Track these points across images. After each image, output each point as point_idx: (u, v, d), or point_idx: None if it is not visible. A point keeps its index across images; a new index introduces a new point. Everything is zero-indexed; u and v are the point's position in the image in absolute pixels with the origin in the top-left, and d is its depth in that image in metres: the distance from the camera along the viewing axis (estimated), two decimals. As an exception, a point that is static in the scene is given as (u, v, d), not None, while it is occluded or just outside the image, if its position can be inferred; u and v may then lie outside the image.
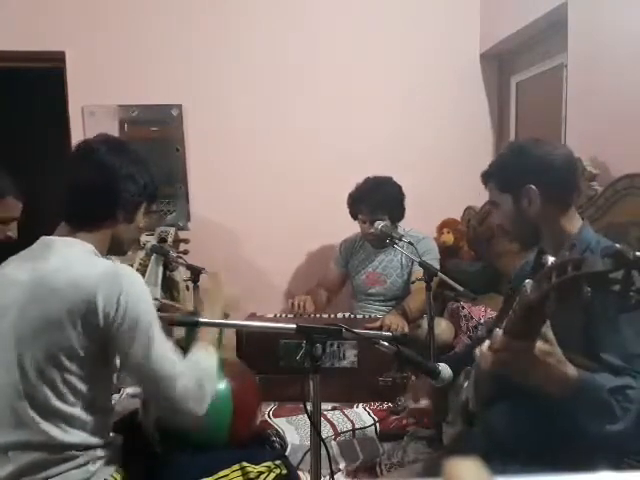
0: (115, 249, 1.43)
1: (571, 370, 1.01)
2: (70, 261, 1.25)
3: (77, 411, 1.23)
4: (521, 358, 0.97)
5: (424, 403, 1.46)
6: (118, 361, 1.30)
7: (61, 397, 1.21)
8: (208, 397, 1.27)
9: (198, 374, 1.26)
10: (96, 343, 1.22)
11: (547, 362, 0.98)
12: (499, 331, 0.99)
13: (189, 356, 1.29)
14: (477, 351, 1.04)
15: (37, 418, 1.20)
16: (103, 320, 1.20)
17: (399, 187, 2.76)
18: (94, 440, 1.26)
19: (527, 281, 0.92)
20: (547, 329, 0.98)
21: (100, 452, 1.28)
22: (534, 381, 1.01)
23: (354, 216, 2.79)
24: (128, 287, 1.22)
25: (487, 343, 1.02)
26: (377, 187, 2.71)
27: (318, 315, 2.64)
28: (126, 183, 1.33)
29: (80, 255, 1.28)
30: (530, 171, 1.33)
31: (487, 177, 1.44)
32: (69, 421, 1.22)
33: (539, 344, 0.97)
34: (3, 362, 1.22)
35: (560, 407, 1.03)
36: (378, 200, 2.66)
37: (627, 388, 1.04)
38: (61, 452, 1.22)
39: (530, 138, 1.40)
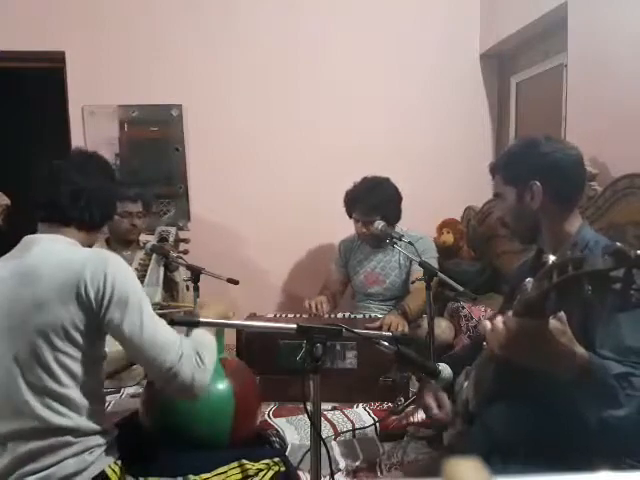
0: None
1: (582, 351, 1.00)
2: (54, 251, 1.31)
3: (71, 392, 1.26)
4: (532, 336, 0.96)
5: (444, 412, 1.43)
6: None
7: (55, 378, 1.24)
8: (209, 367, 1.29)
9: (196, 344, 1.29)
10: (89, 322, 1.25)
11: (560, 341, 0.97)
12: (509, 312, 0.98)
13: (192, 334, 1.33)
14: (485, 324, 1.02)
15: (32, 401, 1.22)
16: (94, 297, 1.24)
17: (395, 189, 2.74)
18: (89, 425, 1.28)
19: (528, 280, 0.92)
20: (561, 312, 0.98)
21: (96, 440, 1.29)
22: (546, 359, 0.99)
23: (349, 215, 2.80)
24: (113, 265, 1.28)
25: (499, 319, 1.01)
26: (373, 188, 2.70)
27: (326, 314, 2.64)
28: (102, 192, 1.43)
29: (63, 245, 1.34)
30: (537, 167, 1.32)
31: (495, 168, 1.43)
32: (63, 403, 1.25)
33: (553, 322, 0.96)
34: None
35: (565, 388, 1.02)
36: (372, 201, 2.66)
37: (631, 375, 1.04)
38: (56, 436, 1.24)
39: (543, 134, 1.38)
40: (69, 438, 1.25)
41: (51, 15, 3.16)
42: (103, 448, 1.31)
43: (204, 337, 1.34)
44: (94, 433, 1.29)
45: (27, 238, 1.36)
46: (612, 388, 1.01)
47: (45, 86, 3.65)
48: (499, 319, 1.01)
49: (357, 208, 2.71)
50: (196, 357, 1.27)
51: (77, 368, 1.26)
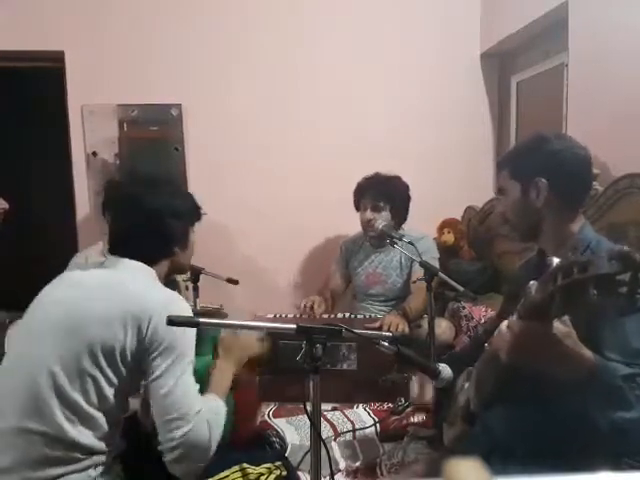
0: (177, 271, 1.55)
1: (587, 353, 1.01)
2: (138, 276, 1.35)
3: (96, 413, 1.26)
4: (537, 340, 0.97)
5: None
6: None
7: (86, 395, 1.24)
8: (214, 445, 1.28)
9: (211, 419, 1.28)
10: (137, 357, 1.27)
11: (565, 343, 0.97)
12: (514, 316, 0.99)
13: (207, 398, 1.33)
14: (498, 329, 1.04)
15: (56, 409, 1.22)
16: (149, 340, 1.25)
17: (407, 186, 2.79)
18: (101, 446, 1.28)
19: (532, 282, 0.92)
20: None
21: (102, 458, 1.29)
22: (552, 362, 1.00)
23: (357, 206, 2.81)
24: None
25: (505, 323, 1.02)
26: (386, 179, 2.75)
27: (318, 315, 2.64)
28: (172, 220, 1.42)
29: (144, 274, 1.37)
30: (544, 164, 1.31)
31: (502, 162, 1.43)
32: (84, 420, 1.24)
33: (557, 325, 0.96)
34: (46, 349, 1.26)
35: (573, 391, 1.02)
36: (384, 189, 2.71)
37: (638, 376, 1.04)
38: (66, 450, 1.23)
39: (554, 132, 1.39)
40: (78, 455, 1.24)
41: (51, 15, 3.16)
42: (109, 463, 1.31)
43: (217, 404, 1.34)
44: (103, 453, 1.29)
45: (113, 258, 1.39)
46: (620, 389, 1.01)
47: (45, 86, 3.64)
48: (504, 323, 1.01)
49: (368, 194, 2.74)
50: (206, 437, 1.25)
51: (110, 393, 1.27)
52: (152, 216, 1.39)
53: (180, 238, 1.46)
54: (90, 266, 1.44)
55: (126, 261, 1.38)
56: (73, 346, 1.24)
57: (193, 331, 1.31)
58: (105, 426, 1.28)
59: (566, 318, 0.97)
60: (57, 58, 3.20)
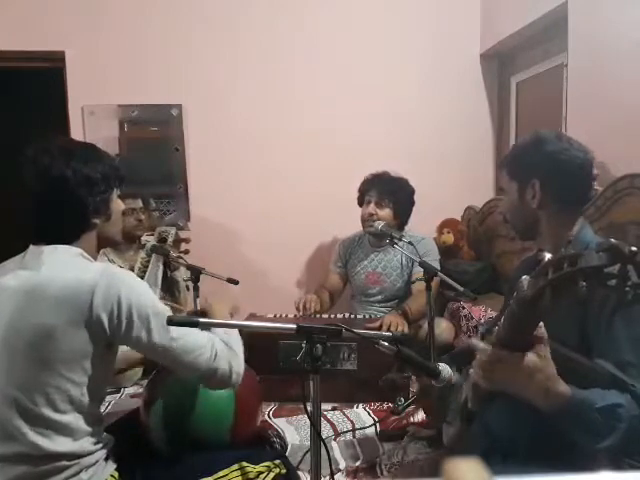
0: (107, 244, 1.44)
1: (562, 388, 0.99)
2: (61, 268, 1.23)
3: (67, 418, 1.21)
4: (508, 370, 0.98)
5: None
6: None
7: (52, 405, 1.19)
8: (240, 355, 1.35)
9: (221, 336, 1.33)
10: (101, 346, 1.22)
11: (534, 378, 0.97)
12: (488, 346, 1.00)
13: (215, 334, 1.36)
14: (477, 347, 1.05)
15: (25, 428, 1.17)
16: (107, 321, 1.19)
17: (413, 190, 2.81)
18: (84, 448, 1.23)
19: (524, 277, 0.92)
20: (544, 346, 0.97)
21: (91, 459, 1.25)
22: (522, 394, 1.00)
23: (361, 200, 2.82)
24: (124, 285, 1.22)
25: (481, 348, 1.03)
26: (393, 179, 2.78)
27: (318, 315, 2.64)
28: (83, 189, 1.27)
29: (70, 261, 1.26)
30: (540, 166, 1.31)
31: (503, 163, 1.44)
32: (58, 429, 1.20)
33: (531, 358, 0.96)
34: None
35: (549, 420, 1.03)
36: (390, 187, 2.73)
37: (617, 407, 1.02)
38: (51, 462, 1.19)
39: (553, 132, 1.37)
40: (64, 462, 1.20)
41: (51, 15, 3.16)
42: (100, 463, 1.27)
43: (227, 330, 1.38)
44: (90, 453, 1.25)
45: (32, 249, 1.27)
46: (594, 423, 1.00)
47: (45, 86, 3.65)
48: (478, 358, 1.02)
49: (373, 189, 2.76)
50: (228, 350, 1.31)
51: (78, 393, 1.21)
52: (58, 188, 1.24)
53: (98, 208, 1.30)
54: (11, 265, 1.27)
55: (46, 251, 1.24)
56: (28, 368, 1.18)
57: (146, 288, 1.27)
58: (83, 426, 1.23)
59: (543, 351, 0.96)
60: (57, 58, 3.21)
